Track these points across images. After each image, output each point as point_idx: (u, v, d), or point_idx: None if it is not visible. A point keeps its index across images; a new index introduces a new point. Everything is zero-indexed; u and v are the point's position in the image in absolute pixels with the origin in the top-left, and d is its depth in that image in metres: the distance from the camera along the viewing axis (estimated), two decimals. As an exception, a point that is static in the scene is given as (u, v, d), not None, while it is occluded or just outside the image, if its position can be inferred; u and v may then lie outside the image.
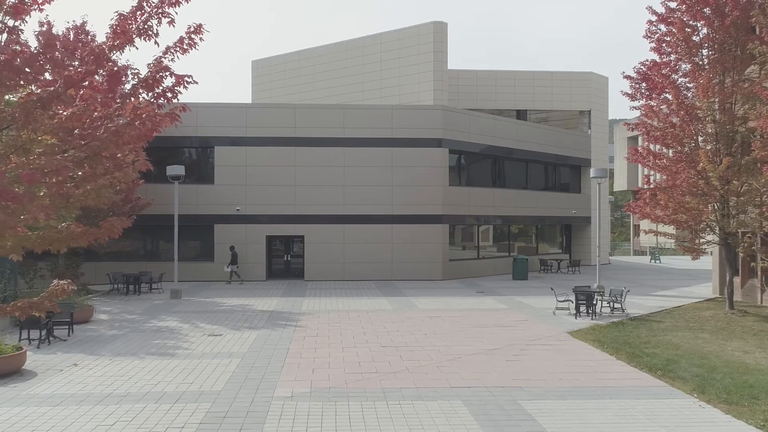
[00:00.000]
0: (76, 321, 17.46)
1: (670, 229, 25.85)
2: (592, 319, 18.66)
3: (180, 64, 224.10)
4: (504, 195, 34.27)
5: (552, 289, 20.25)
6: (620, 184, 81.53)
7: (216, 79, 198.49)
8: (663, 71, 19.87)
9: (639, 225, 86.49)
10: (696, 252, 20.33)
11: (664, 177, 20.39)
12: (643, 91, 20.97)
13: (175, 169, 23.70)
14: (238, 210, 29.97)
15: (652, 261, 44.44)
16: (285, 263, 31.56)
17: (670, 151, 20.59)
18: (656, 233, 20.82)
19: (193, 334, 16.48)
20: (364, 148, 30.39)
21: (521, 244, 37.12)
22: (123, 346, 14.86)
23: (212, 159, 30.37)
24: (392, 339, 15.64)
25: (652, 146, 22.05)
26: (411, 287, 27.32)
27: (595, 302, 18.93)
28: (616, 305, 19.75)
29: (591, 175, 24.51)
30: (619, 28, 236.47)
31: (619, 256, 61.68)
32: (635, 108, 21.72)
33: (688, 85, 20.44)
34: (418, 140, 30.61)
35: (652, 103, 20.31)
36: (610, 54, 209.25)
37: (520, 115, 39.78)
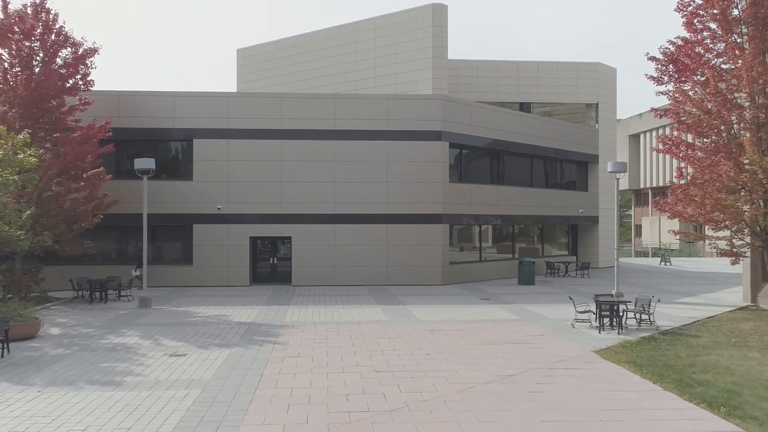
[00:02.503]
0: (17, 337, 14.93)
1: (692, 229, 23.51)
2: (618, 333, 16.18)
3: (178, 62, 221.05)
4: (507, 193, 31.79)
5: (571, 299, 17.74)
6: (621, 183, 79.14)
7: (212, 79, 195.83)
8: (696, 50, 17.39)
9: (641, 225, 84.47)
10: (736, 256, 17.87)
11: (698, 170, 17.86)
12: (671, 73, 18.50)
13: (144, 162, 21.12)
14: (219, 209, 27.40)
15: (662, 263, 42.06)
16: (271, 267, 29.00)
17: (701, 140, 18.13)
18: (686, 234, 18.34)
19: (152, 353, 13.92)
20: (357, 142, 27.86)
21: (524, 245, 34.65)
22: (62, 372, 12.29)
23: (191, 153, 27.76)
24: (388, 361, 13.12)
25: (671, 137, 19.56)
26: (408, 293, 24.81)
27: (621, 314, 16.45)
28: (644, 316, 17.27)
29: (608, 170, 22.05)
30: (618, 28, 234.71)
31: (621, 257, 59.11)
32: (661, 93, 19.26)
33: (722, 66, 18.00)
34: (415, 133, 28.10)
35: (686, 86, 17.82)
36: (609, 54, 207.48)
37: (524, 108, 37.30)
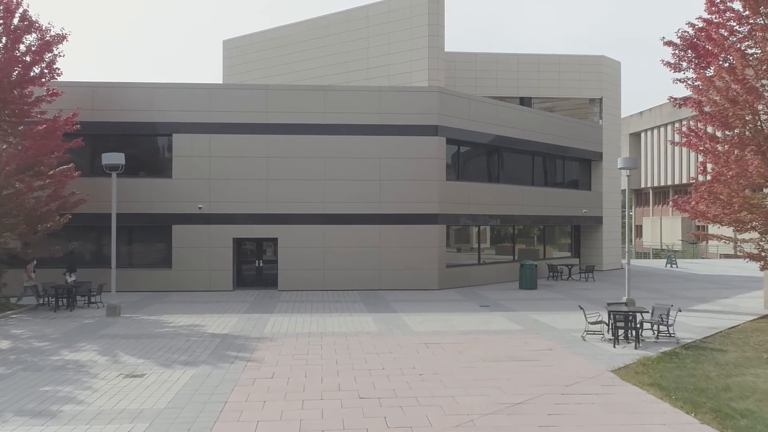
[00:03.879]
0: (-46, 354, 13.11)
1: (723, 231, 21.78)
2: (635, 347, 14.43)
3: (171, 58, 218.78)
4: (507, 192, 30.06)
5: (581, 308, 15.98)
6: (621, 182, 77.44)
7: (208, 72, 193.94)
8: (720, 32, 15.66)
9: (642, 225, 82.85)
10: (765, 261, 16.13)
11: (723, 165, 16.10)
12: (690, 59, 16.77)
13: (112, 158, 19.29)
14: (200, 208, 25.61)
15: (668, 265, 40.35)
16: (257, 270, 27.20)
17: (727, 133, 16.39)
18: (708, 236, 16.61)
19: (106, 373, 12.13)
20: (348, 137, 26.09)
21: (525, 246, 32.91)
22: (-7, 398, 10.50)
23: (170, 149, 25.96)
24: (375, 383, 11.36)
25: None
26: (402, 299, 23.06)
27: (638, 325, 14.70)
28: (662, 327, 15.54)
29: (618, 166, 20.32)
30: (618, 26, 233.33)
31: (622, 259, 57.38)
32: (679, 81, 17.53)
33: (748, 50, 16.28)
34: (410, 127, 26.33)
35: (709, 71, 16.07)
36: (609, 52, 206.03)
37: (524, 103, 35.55)
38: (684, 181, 70.47)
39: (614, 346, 14.54)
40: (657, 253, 67.98)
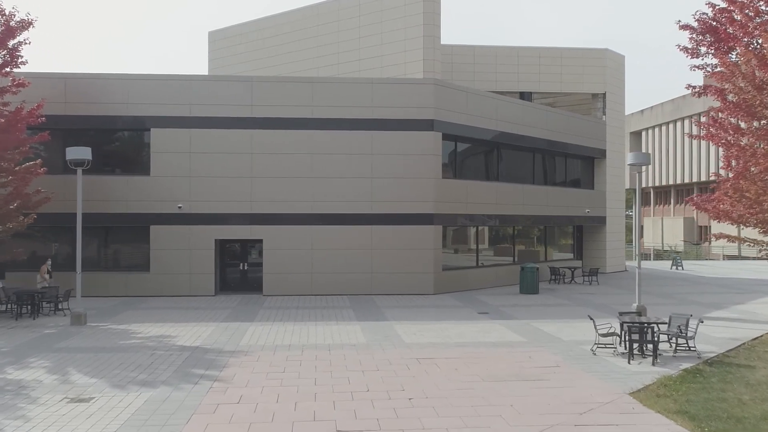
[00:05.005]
0: None
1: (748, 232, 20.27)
2: (653, 363, 12.86)
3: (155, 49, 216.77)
4: (507, 190, 28.49)
5: (591, 319, 14.38)
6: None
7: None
8: (745, 12, 14.11)
9: (643, 226, 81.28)
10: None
11: (750, 159, 14.53)
12: (710, 43, 15.22)
13: (78, 152, 17.65)
14: (179, 207, 24.00)
15: (674, 267, 38.82)
16: (241, 273, 25.61)
17: (753, 123, 14.83)
18: (733, 238, 15.04)
19: (48, 397, 10.52)
20: (337, 132, 24.52)
21: (524, 247, 31.33)
22: None
23: (148, 144, 24.34)
24: (357, 410, 9.77)
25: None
26: (395, 305, 21.49)
27: (656, 339, 13.13)
28: (680, 339, 13.98)
29: (628, 162, 18.73)
30: (617, 24, 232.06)
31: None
32: (696, 67, 15.98)
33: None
34: (404, 122, 24.76)
35: (733, 56, 14.52)
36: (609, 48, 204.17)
37: (524, 98, 33.90)
38: (686, 180, 69.01)
39: (629, 362, 12.97)
40: (659, 255, 66.48)
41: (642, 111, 77.21)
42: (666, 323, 14.04)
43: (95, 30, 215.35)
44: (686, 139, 67.95)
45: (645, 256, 68.19)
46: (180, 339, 15.56)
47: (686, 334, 13.86)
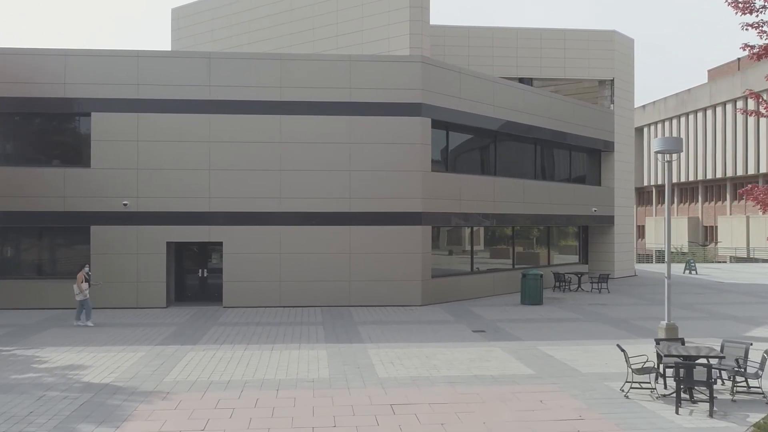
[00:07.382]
0: None
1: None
2: (711, 414, 9.49)
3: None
4: (506, 186, 25.14)
5: (621, 350, 10.93)
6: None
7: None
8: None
9: (644, 226, 78.19)
10: None
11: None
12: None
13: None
14: (125, 205, 20.58)
15: (687, 271, 35.58)
16: (200, 281, 22.18)
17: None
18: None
19: None
20: (310, 117, 21.14)
21: (524, 249, 27.96)
22: None
23: (88, 131, 20.88)
24: None
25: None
26: (374, 320, 18.12)
27: (713, 381, 9.75)
28: (739, 377, 10.61)
29: (655, 149, 15.42)
30: (616, 22, 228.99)
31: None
32: (749, 26, 12.69)
33: None
34: (387, 106, 21.39)
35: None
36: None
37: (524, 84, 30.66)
38: (691, 178, 65.87)
39: (676, 412, 9.60)
40: (661, 257, 63.28)
41: (644, 106, 74.10)
42: (721, 356, 10.65)
43: (85, 27, 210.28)
44: (691, 135, 64.84)
45: (647, 258, 65.09)
46: (91, 372, 12.12)
47: (745, 368, 10.53)
